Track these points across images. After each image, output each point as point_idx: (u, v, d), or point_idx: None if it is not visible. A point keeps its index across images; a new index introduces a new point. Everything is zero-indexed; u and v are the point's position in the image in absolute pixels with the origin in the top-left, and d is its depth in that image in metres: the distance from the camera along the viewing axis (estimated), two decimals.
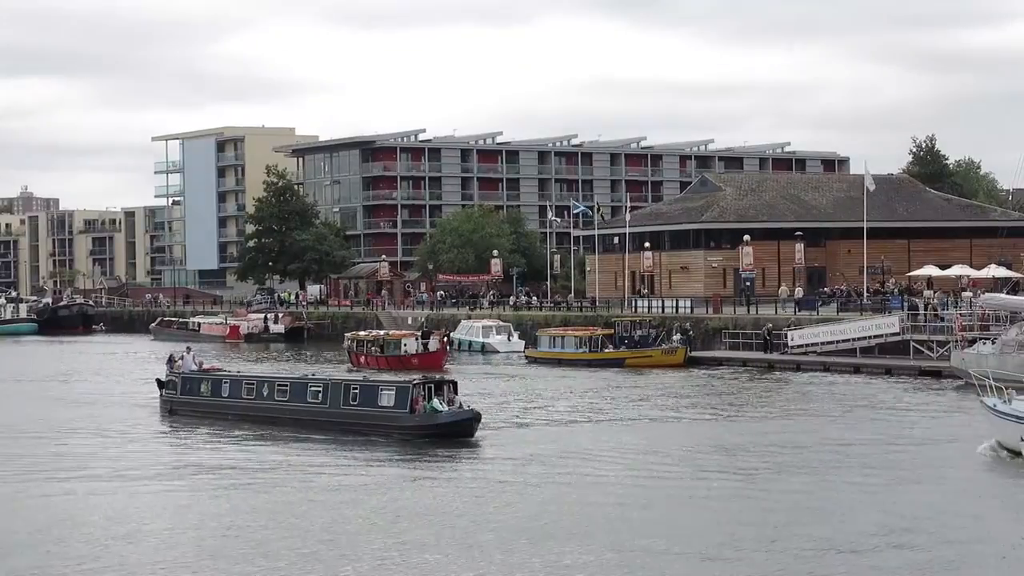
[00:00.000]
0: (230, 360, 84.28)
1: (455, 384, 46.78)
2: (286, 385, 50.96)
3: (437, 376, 48.22)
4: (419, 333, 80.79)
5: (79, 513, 32.12)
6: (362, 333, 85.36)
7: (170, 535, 29.46)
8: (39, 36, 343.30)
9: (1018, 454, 36.18)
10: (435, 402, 44.64)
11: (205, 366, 57.73)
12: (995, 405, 37.40)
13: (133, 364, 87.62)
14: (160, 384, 56.46)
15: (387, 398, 45.76)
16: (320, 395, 48.50)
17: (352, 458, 41.07)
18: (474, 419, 44.43)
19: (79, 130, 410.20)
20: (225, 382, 53.41)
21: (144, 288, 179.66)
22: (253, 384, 52.30)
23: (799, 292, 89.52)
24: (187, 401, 54.03)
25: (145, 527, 30.36)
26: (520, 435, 45.92)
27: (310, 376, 52.78)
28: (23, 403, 61.03)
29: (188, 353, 58.82)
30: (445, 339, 79.51)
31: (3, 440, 46.59)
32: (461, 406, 45.12)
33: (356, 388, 47.53)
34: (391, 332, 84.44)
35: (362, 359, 78.45)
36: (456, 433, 43.85)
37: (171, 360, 57.97)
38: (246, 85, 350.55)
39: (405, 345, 78.33)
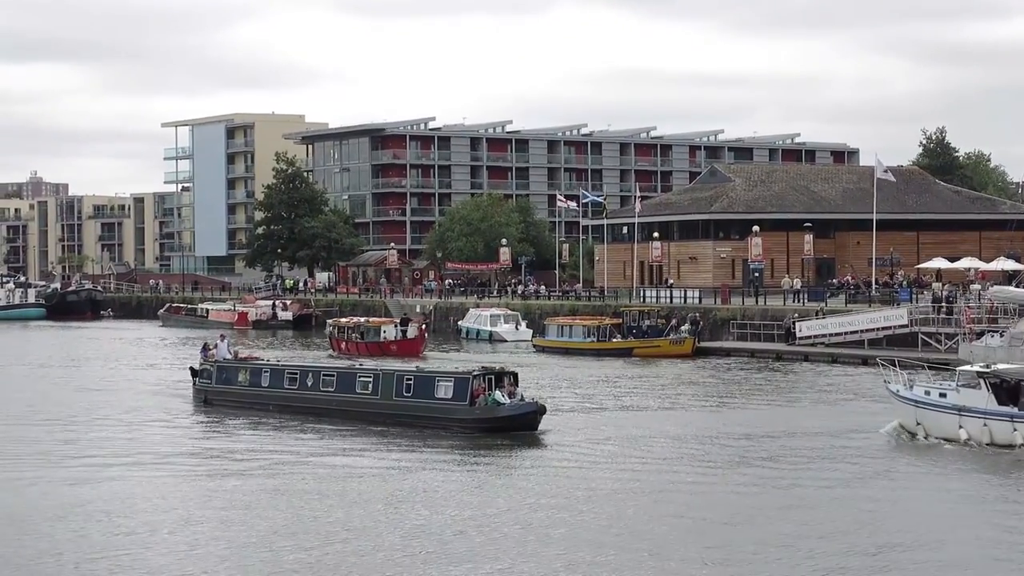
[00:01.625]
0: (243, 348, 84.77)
1: (515, 375, 45.17)
2: (333, 375, 49.27)
3: (497, 367, 46.74)
4: (398, 320, 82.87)
5: (127, 504, 31.60)
6: (343, 320, 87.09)
7: (224, 530, 28.79)
8: (50, 22, 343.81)
9: (915, 435, 39.63)
10: (497, 394, 43.14)
11: (242, 354, 56.35)
12: (897, 390, 40.61)
13: (150, 350, 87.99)
14: (193, 373, 54.89)
15: (444, 389, 44.27)
16: (370, 386, 46.91)
17: (410, 453, 39.75)
18: (538, 411, 42.86)
19: (89, 116, 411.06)
20: (265, 371, 51.77)
21: (148, 274, 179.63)
22: (296, 373, 50.57)
23: (798, 283, 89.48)
24: (223, 391, 52.53)
25: (196, 518, 30.07)
26: (580, 427, 44.44)
27: (358, 366, 51.06)
28: (52, 391, 59.81)
29: (222, 341, 57.15)
30: (424, 326, 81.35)
31: (39, 428, 45.96)
32: (522, 398, 43.59)
33: (410, 379, 45.95)
34: (371, 319, 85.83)
35: (343, 345, 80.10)
36: (519, 426, 42.42)
37: (205, 348, 56.56)
38: (256, 72, 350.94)
39: (384, 332, 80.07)
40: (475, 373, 44.27)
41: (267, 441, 42.74)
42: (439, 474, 35.93)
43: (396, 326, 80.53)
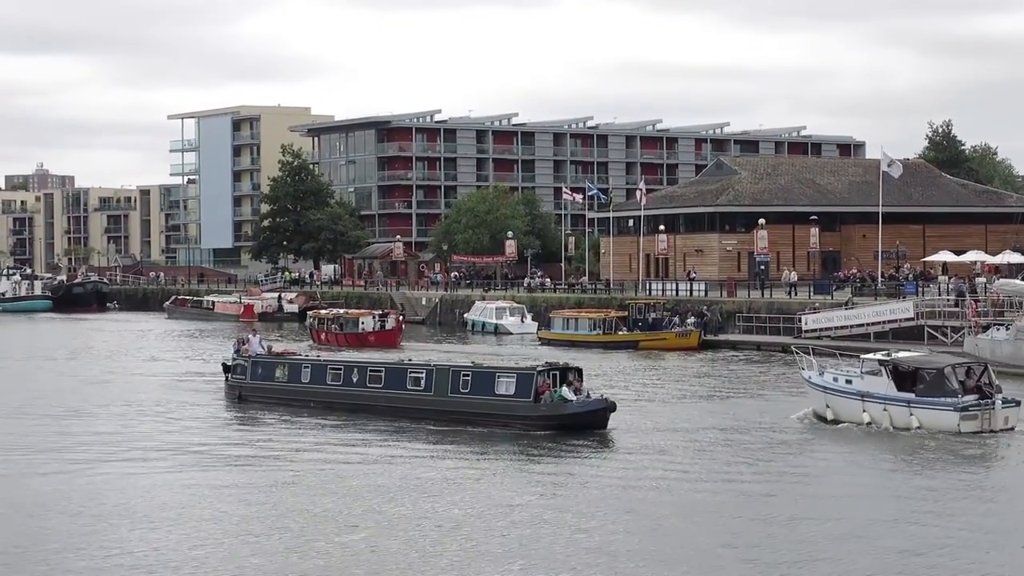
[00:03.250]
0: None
1: (580, 371, 43.26)
2: (380, 371, 47.15)
3: (561, 362, 44.23)
4: (377, 312, 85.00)
5: (172, 505, 30.82)
6: (323, 311, 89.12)
7: (281, 535, 27.84)
8: (57, 14, 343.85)
9: (824, 420, 41.93)
10: (564, 390, 41.36)
11: (277, 349, 55.15)
12: (810, 377, 42.73)
13: (159, 343, 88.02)
14: (226, 368, 53.27)
15: (506, 385, 42.38)
16: (423, 382, 44.93)
17: (472, 452, 38.29)
18: (608, 409, 41.10)
19: (95, 108, 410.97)
20: (306, 367, 49.84)
21: (150, 267, 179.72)
22: (340, 369, 48.57)
23: (794, 276, 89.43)
24: (259, 387, 50.55)
25: (257, 517, 29.46)
26: (648, 425, 42.92)
27: (408, 361, 48.82)
28: (77, 385, 58.91)
29: (254, 336, 55.62)
30: (401, 318, 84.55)
31: (73, 422, 45.41)
32: (588, 394, 41.99)
33: (467, 375, 43.91)
34: (350, 311, 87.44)
35: (322, 336, 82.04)
36: (588, 424, 40.73)
37: (238, 344, 54.60)
38: (263, 65, 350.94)
39: (362, 323, 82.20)
40: (539, 368, 42.51)
41: (315, 439, 41.20)
42: (514, 477, 34.46)
43: (375, 317, 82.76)
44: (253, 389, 50.70)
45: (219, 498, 31.58)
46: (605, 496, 31.31)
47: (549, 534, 27.37)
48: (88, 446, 39.59)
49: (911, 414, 39.66)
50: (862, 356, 42.20)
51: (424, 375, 45.14)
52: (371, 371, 47.35)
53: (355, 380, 47.41)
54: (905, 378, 40.00)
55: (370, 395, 46.47)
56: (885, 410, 40.16)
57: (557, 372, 42.47)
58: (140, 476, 34.67)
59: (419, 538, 27.15)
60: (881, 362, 40.04)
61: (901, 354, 41.29)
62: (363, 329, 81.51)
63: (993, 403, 39.19)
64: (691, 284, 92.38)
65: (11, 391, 56.09)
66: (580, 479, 33.85)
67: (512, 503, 30.61)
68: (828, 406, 41.85)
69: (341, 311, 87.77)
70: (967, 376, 39.89)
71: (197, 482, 33.75)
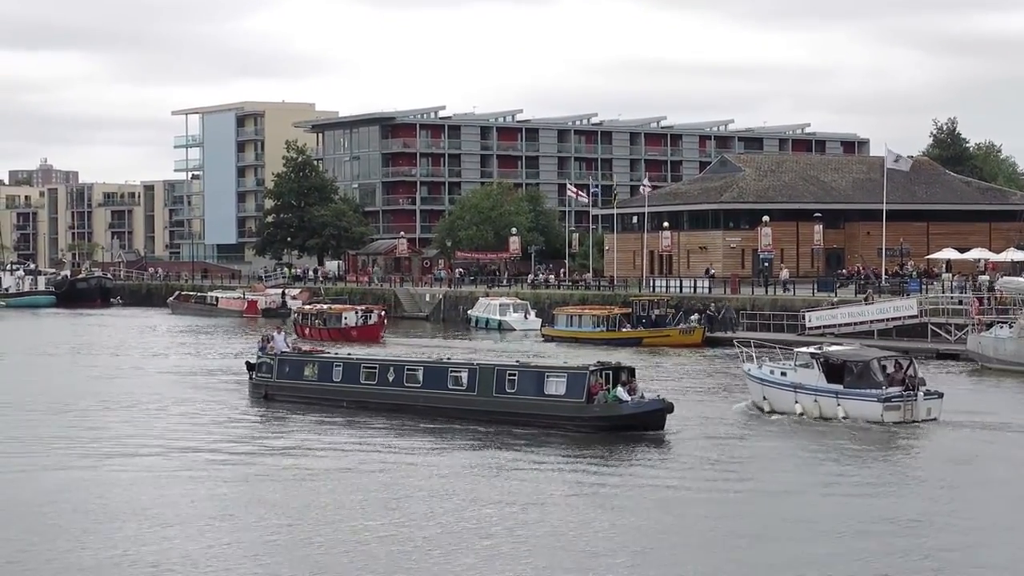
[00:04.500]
0: (249, 335, 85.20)
1: (633, 370, 42.31)
2: (417, 369, 45.92)
3: (614, 362, 42.98)
4: (360, 308, 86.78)
5: (223, 512, 30.11)
6: (306, 307, 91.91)
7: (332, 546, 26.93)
8: (61, 11, 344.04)
9: (762, 411, 43.71)
10: (619, 390, 40.27)
11: (305, 348, 53.96)
12: (749, 370, 44.30)
13: (166, 339, 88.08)
14: (250, 367, 51.95)
15: (556, 385, 41.17)
16: (466, 381, 43.72)
17: (525, 455, 37.19)
18: (666, 409, 40.18)
19: (99, 104, 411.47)
20: (337, 365, 48.38)
21: (150, 262, 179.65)
22: (375, 368, 47.14)
23: (786, 273, 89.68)
24: (287, 386, 49.17)
25: (299, 518, 29.04)
26: (707, 427, 42.01)
27: (447, 359, 47.74)
28: (93, 382, 58.12)
29: (279, 334, 54.85)
30: (383, 313, 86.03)
31: (109, 419, 44.99)
32: (643, 395, 41.05)
33: (513, 374, 42.64)
34: (333, 307, 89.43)
35: (306, 331, 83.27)
36: (644, 426, 39.76)
37: (264, 342, 53.52)
38: (267, 61, 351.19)
39: (345, 318, 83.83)
40: (592, 368, 41.33)
41: (353, 440, 40.14)
42: (572, 482, 33.41)
43: (357, 313, 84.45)
44: (280, 388, 49.36)
45: (260, 501, 30.92)
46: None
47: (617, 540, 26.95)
48: (116, 445, 38.99)
49: (839, 405, 41.47)
50: (795, 350, 43.71)
51: (467, 374, 43.93)
52: (408, 370, 46.13)
53: (391, 379, 46.06)
54: (835, 371, 41.65)
55: (408, 395, 45.20)
56: (816, 401, 42.02)
57: (610, 371, 41.44)
58: (176, 477, 34.03)
59: (480, 549, 26.39)
60: (813, 355, 41.80)
61: (832, 348, 43.17)
62: (346, 324, 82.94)
63: (916, 395, 41.11)
64: (696, 280, 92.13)
65: (33, 386, 55.60)
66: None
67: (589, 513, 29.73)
68: (765, 398, 43.49)
69: (324, 306, 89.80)
70: (895, 369, 41.79)
71: (236, 482, 33.22)
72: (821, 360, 41.51)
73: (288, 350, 52.06)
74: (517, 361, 46.03)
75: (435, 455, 37.33)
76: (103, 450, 38.15)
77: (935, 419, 41.20)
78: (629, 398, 40.35)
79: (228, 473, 34.65)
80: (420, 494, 31.41)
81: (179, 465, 35.79)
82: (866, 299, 73.71)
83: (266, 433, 42.73)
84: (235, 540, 27.17)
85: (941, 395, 41.68)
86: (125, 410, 47.55)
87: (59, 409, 47.72)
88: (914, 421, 40.91)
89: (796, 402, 42.45)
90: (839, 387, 41.73)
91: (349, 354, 54.17)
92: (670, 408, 40.36)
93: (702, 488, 32.44)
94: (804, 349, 42.89)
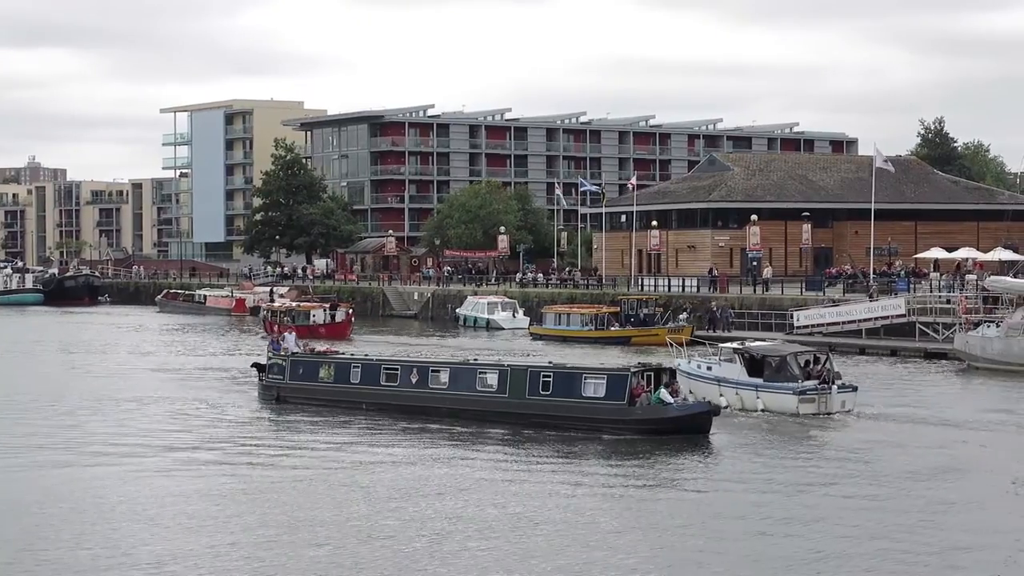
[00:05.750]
0: (242, 334, 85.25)
1: (674, 372, 41.70)
2: (443, 370, 44.75)
3: (655, 363, 42.24)
4: (327, 305, 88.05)
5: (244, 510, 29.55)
6: (276, 305, 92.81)
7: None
8: (50, 8, 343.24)
9: None
10: (663, 392, 39.25)
11: (320, 348, 52.58)
12: (678, 365, 45.19)
13: (157, 336, 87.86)
14: (260, 368, 50.85)
15: (594, 387, 40.08)
16: (496, 383, 42.42)
17: (565, 460, 36.22)
18: (712, 412, 39.45)
19: (88, 101, 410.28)
20: (355, 366, 47.02)
21: (137, 260, 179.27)
22: (397, 369, 45.84)
23: (769, 272, 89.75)
24: (300, 387, 47.90)
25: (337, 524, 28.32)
26: (753, 429, 41.27)
27: (473, 360, 46.58)
28: (92, 382, 57.20)
29: (291, 334, 53.89)
30: (351, 311, 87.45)
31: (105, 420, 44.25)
32: (685, 397, 40.32)
33: (548, 375, 41.43)
34: (301, 304, 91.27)
35: (275, 328, 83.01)
36: (690, 429, 38.71)
37: (275, 343, 52.81)
38: (256, 59, 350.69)
39: (313, 316, 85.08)
40: (633, 369, 40.34)
41: (379, 444, 39.03)
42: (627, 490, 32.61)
43: (325, 311, 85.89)
44: (293, 390, 48.02)
45: (287, 504, 30.19)
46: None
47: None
48: (129, 447, 38.33)
49: (758, 397, 43.74)
50: (720, 345, 45.81)
51: (497, 375, 42.64)
52: (433, 371, 44.95)
53: (414, 381, 44.75)
54: (755, 365, 43.55)
55: (433, 396, 43.85)
56: (737, 394, 44.29)
57: (651, 373, 40.57)
58: (194, 481, 33.31)
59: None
60: (735, 350, 43.65)
61: (752, 344, 45.12)
62: (314, 322, 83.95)
63: (830, 388, 43.19)
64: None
65: (41, 386, 54.99)
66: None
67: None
68: (691, 391, 44.20)
69: (293, 304, 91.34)
70: (814, 363, 43.81)
71: (256, 488, 32.37)
72: (743, 355, 43.14)
73: (299, 350, 50.93)
74: (550, 362, 44.69)
75: (466, 460, 36.22)
76: (119, 453, 37.41)
77: (849, 411, 42.93)
78: (672, 400, 39.45)
79: (255, 482, 33.39)
80: (457, 501, 30.48)
81: (210, 472, 34.60)
82: (871, 296, 73.88)
83: (287, 437, 41.24)
84: (284, 557, 26.02)
85: (855, 388, 43.59)
86: (136, 413, 46.29)
87: (82, 411, 46.82)
88: (828, 413, 42.83)
89: (720, 395, 44.11)
90: (759, 380, 43.82)
91: (367, 355, 53.07)
92: (716, 411, 39.82)
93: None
94: (728, 345, 44.87)
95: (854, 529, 27.57)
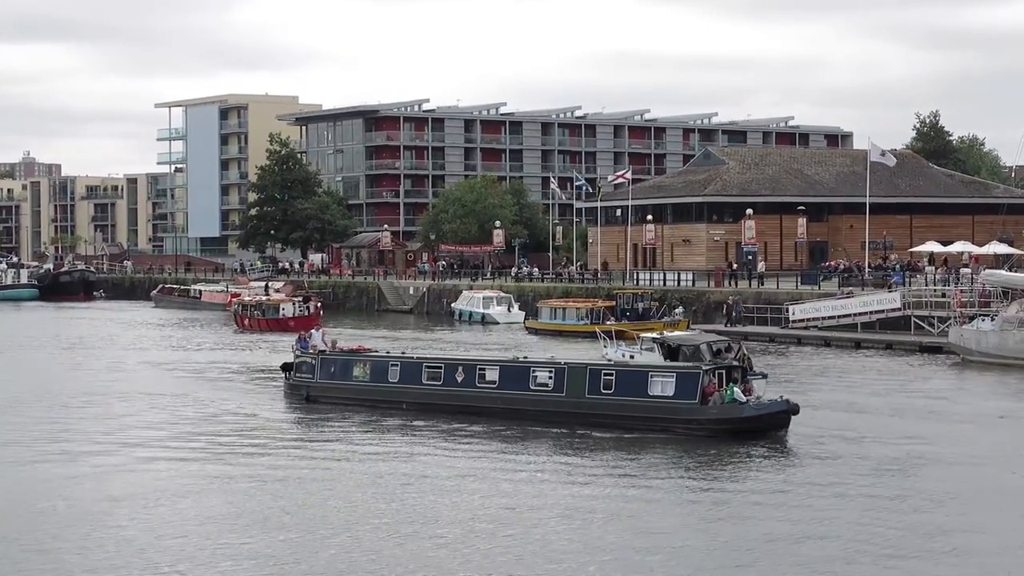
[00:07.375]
0: (236, 332, 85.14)
1: (745, 370, 39.71)
2: (492, 368, 42.82)
3: (726, 360, 39.94)
4: (297, 299, 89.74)
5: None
6: (246, 298, 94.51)
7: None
8: (45, 2, 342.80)
9: None
10: (735, 390, 37.79)
11: (352, 346, 51.11)
12: (605, 354, 45.05)
13: (158, 332, 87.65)
14: (287, 367, 48.83)
15: (662, 386, 38.62)
16: (552, 381, 40.77)
17: (638, 464, 34.65)
18: (791, 411, 37.60)
19: (83, 96, 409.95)
20: (394, 364, 44.88)
21: (128, 255, 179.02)
22: (440, 367, 43.91)
23: (762, 267, 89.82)
24: (332, 386, 45.99)
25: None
26: (835, 426, 39.88)
27: (524, 358, 44.89)
28: (105, 378, 56.37)
29: (317, 331, 52.45)
30: (320, 304, 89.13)
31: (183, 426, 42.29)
32: (759, 396, 38.53)
33: (610, 374, 40.03)
34: (271, 297, 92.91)
35: (245, 321, 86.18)
36: (767, 428, 37.40)
37: (302, 340, 50.41)
38: (251, 54, 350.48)
39: (283, 309, 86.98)
40: (704, 367, 38.48)
41: (422, 446, 37.28)
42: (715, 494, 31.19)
43: (295, 304, 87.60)
44: (324, 389, 46.16)
45: (339, 508, 29.22)
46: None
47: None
48: (160, 449, 37.26)
49: None
50: (640, 335, 45.95)
51: (553, 373, 40.92)
52: (480, 369, 42.90)
53: (460, 380, 42.86)
54: (672, 353, 43.17)
55: (482, 396, 41.97)
56: None
57: (723, 371, 38.75)
58: (245, 490, 31.59)
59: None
60: (654, 340, 43.85)
61: (669, 333, 45.77)
62: (283, 315, 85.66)
63: None
64: (680, 274, 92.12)
65: (43, 384, 54.50)
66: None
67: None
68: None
69: (263, 298, 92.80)
70: (726, 351, 43.00)
71: (302, 492, 31.11)
72: (661, 344, 43.32)
73: (326, 348, 48.75)
74: (609, 359, 42.70)
75: (535, 462, 34.88)
76: (145, 455, 36.40)
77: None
78: (746, 399, 38.00)
79: (291, 487, 31.86)
80: (527, 509, 29.14)
81: (244, 474, 33.28)
82: (888, 287, 73.80)
83: (330, 445, 38.44)
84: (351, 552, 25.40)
85: (765, 376, 42.90)
86: (161, 412, 44.84)
87: (133, 411, 45.69)
88: None
89: None
90: None
91: (404, 352, 49.85)
92: (795, 410, 37.76)
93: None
94: (648, 335, 45.29)
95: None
